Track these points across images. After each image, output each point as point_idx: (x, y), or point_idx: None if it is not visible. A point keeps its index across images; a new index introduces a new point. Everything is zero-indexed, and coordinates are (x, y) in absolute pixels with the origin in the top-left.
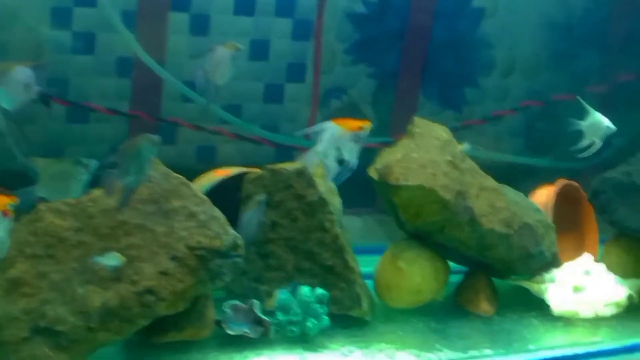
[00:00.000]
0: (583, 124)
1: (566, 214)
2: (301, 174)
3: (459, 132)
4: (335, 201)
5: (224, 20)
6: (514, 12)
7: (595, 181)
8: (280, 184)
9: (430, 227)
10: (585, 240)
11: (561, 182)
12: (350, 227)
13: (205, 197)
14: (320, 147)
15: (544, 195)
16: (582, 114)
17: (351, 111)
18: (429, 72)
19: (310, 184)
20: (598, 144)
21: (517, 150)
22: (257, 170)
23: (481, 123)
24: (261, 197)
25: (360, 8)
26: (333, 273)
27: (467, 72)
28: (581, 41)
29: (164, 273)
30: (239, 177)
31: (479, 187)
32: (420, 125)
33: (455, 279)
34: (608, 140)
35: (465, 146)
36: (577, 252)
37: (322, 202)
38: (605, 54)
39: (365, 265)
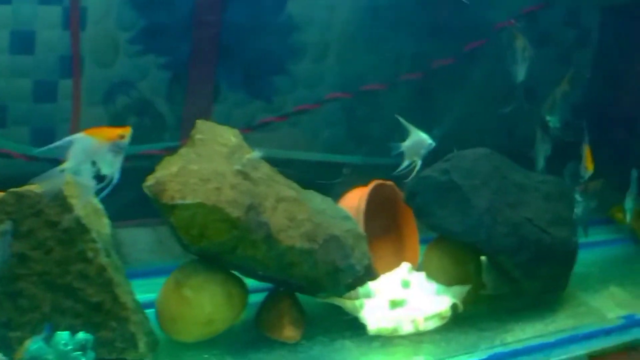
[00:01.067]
0: (404, 145)
1: (383, 217)
2: (53, 196)
3: (258, 131)
4: (101, 224)
5: None
6: None
7: (410, 181)
8: (27, 210)
9: (218, 248)
10: (405, 245)
11: (374, 183)
12: (138, 242)
13: None
14: (69, 164)
15: (355, 199)
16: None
17: (143, 107)
18: (231, 61)
19: (65, 207)
20: (418, 163)
21: (337, 141)
22: None
23: (281, 120)
24: (5, 226)
25: None
26: (100, 311)
27: (274, 58)
28: (395, 24)
29: None
30: None
31: (276, 198)
32: (204, 130)
33: (258, 298)
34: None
35: (255, 154)
36: (397, 258)
37: (82, 229)
38: (420, 38)
39: (155, 289)
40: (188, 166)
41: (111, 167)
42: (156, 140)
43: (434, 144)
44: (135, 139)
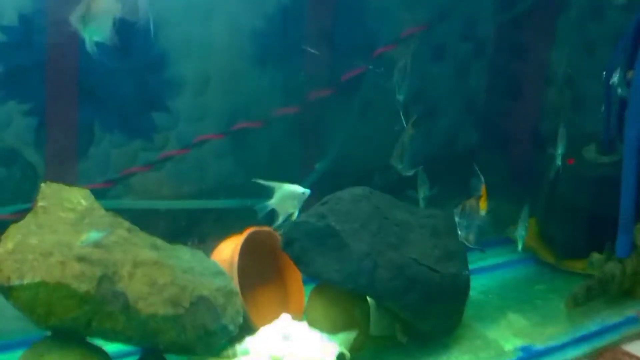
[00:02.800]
0: (272, 203)
1: (263, 264)
2: None
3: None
4: None
5: None
6: (197, 22)
7: (286, 227)
8: None
9: (70, 324)
10: (289, 291)
11: (248, 230)
12: (4, 308)
13: None
14: None
15: (228, 250)
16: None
17: (9, 158)
18: (101, 100)
19: None
20: (295, 214)
21: (226, 175)
22: None
23: (145, 169)
24: None
25: None
26: None
27: (150, 95)
28: (265, 55)
29: None
30: None
31: (133, 263)
32: (48, 195)
33: None
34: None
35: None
36: (282, 306)
37: None
38: (293, 69)
39: None
40: (26, 240)
41: None
42: (29, 192)
43: (307, 192)
44: (4, 193)
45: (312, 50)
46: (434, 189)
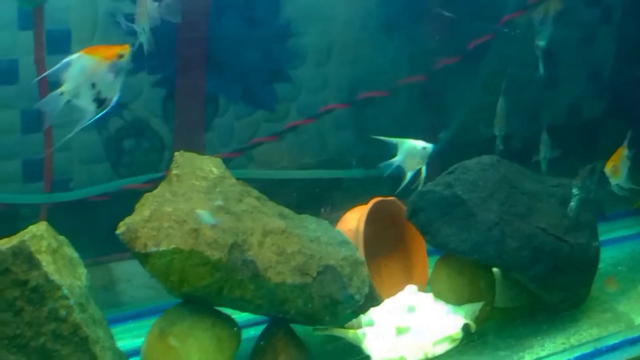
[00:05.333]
0: (398, 160)
1: (388, 234)
2: (19, 253)
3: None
4: (76, 275)
5: None
6: None
7: (412, 196)
8: None
9: (202, 291)
10: (413, 262)
11: (373, 200)
12: (133, 278)
13: None
14: (67, 86)
15: (354, 221)
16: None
17: (138, 128)
18: (226, 73)
19: (33, 264)
20: (423, 170)
21: (346, 147)
22: None
23: (272, 139)
24: None
25: (128, 7)
26: None
27: (273, 66)
28: (393, 23)
29: None
30: None
31: (263, 232)
32: (182, 163)
33: (253, 332)
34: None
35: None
36: (406, 276)
37: (52, 286)
38: (422, 37)
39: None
40: (162, 208)
41: (111, 89)
42: (157, 162)
43: (430, 147)
44: (134, 163)
45: (448, 14)
46: (555, 150)
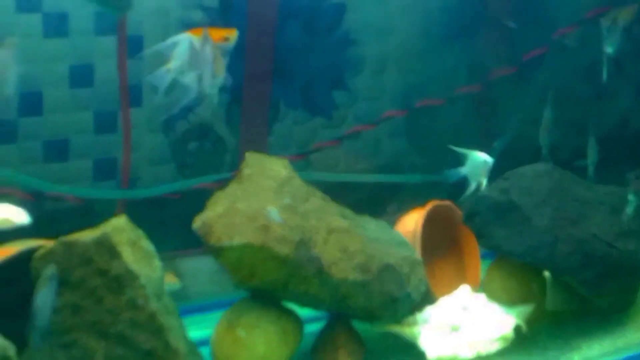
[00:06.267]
0: (464, 170)
1: (442, 237)
2: (101, 244)
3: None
4: (152, 268)
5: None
6: (380, 4)
7: (469, 201)
8: (76, 259)
9: (269, 285)
10: (466, 264)
11: (431, 204)
12: (198, 273)
13: None
14: (174, 64)
15: (411, 223)
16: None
17: (202, 132)
18: (288, 79)
19: (114, 254)
20: (484, 182)
21: (399, 153)
22: (50, 243)
23: (334, 144)
24: (50, 270)
25: (197, 16)
26: (153, 357)
27: (332, 74)
28: (453, 33)
29: None
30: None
31: (327, 230)
32: (252, 163)
33: (314, 327)
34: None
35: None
36: (459, 279)
37: (131, 276)
38: (479, 47)
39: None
40: (234, 205)
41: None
42: (219, 164)
43: (491, 160)
44: (197, 165)
45: (511, 24)
46: (602, 153)
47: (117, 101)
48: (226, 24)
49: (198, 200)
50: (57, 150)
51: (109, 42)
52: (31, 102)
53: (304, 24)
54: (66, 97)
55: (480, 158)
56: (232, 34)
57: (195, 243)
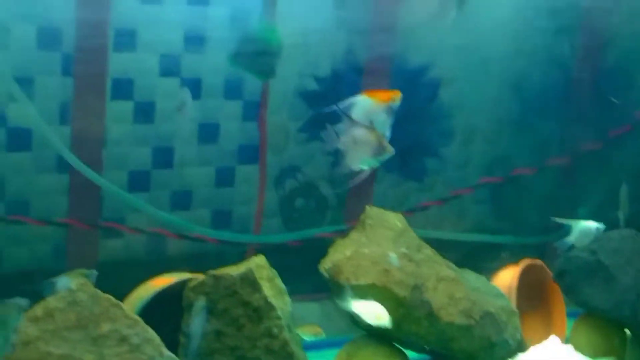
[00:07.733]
0: (571, 239)
1: (532, 293)
2: (245, 278)
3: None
4: (284, 302)
5: (168, 106)
6: (472, 80)
7: (560, 261)
8: (223, 290)
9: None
10: (552, 319)
11: (525, 262)
12: (306, 315)
13: (137, 318)
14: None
15: (507, 278)
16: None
17: (307, 191)
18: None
19: (256, 288)
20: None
21: (482, 219)
22: (200, 276)
23: (439, 204)
24: (201, 302)
25: (311, 85)
26: None
27: (426, 142)
28: (541, 108)
29: None
30: (181, 285)
31: (437, 278)
32: (373, 215)
33: None
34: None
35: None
36: (545, 332)
37: (269, 307)
38: (567, 122)
39: None
40: (360, 250)
41: (384, 127)
42: (320, 220)
43: (602, 227)
44: (300, 219)
45: (614, 100)
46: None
47: (235, 157)
48: (337, 95)
49: (308, 251)
50: (182, 200)
51: (234, 106)
52: (164, 157)
53: (404, 96)
54: (193, 153)
55: (588, 226)
56: (398, 95)
57: (302, 290)
